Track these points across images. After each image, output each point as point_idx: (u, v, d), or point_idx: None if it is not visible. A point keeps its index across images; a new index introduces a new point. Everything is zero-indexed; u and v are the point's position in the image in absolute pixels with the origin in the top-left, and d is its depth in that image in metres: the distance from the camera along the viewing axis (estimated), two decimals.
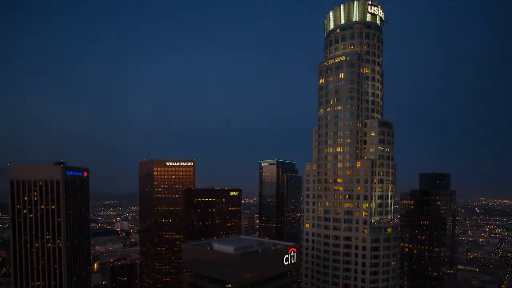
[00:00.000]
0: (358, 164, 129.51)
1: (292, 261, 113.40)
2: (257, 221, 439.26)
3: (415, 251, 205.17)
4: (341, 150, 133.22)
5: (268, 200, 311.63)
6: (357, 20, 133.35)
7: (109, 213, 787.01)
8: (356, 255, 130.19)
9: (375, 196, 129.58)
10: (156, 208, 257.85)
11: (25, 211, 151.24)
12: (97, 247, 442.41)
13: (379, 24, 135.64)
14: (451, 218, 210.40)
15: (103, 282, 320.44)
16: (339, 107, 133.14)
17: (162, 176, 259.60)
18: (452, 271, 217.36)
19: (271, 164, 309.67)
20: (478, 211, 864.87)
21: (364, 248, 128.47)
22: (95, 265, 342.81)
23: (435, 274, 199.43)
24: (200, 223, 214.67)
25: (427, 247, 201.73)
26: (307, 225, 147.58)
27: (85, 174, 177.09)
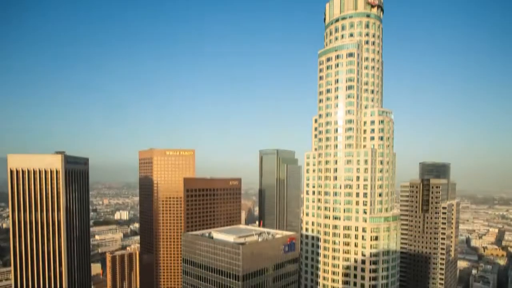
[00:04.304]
0: (358, 154, 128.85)
1: (292, 251, 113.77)
2: (257, 211, 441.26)
3: (415, 241, 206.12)
4: (341, 139, 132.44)
5: (268, 189, 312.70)
6: (356, 9, 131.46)
7: (109, 202, 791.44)
8: (356, 245, 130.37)
9: (374, 185, 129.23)
10: (156, 198, 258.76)
11: (24, 200, 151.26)
12: (97, 237, 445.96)
13: (378, 13, 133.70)
14: (451, 207, 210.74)
15: (103, 271, 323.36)
16: (339, 96, 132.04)
17: (162, 166, 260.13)
18: (452, 261, 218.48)
19: (271, 153, 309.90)
20: (478, 200, 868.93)
21: (364, 238, 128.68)
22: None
23: (435, 263, 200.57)
24: (200, 213, 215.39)
25: (427, 237, 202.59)
26: (307, 215, 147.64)
27: (85, 163, 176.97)
